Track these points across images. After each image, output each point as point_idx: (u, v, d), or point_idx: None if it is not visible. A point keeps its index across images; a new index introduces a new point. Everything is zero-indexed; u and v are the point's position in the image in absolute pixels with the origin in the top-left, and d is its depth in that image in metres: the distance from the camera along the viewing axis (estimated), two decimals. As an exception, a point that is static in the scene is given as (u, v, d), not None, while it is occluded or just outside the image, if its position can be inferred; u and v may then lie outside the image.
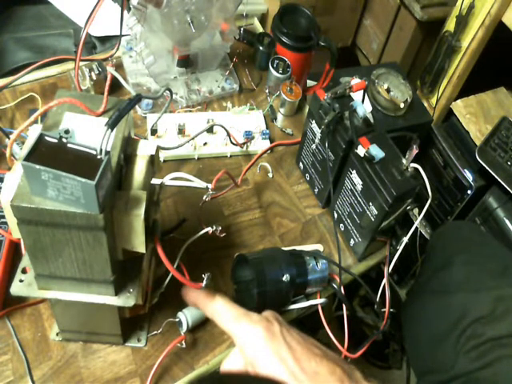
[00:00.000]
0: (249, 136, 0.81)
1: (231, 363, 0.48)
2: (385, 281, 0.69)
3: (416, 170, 0.62)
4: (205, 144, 0.79)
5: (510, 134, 0.98)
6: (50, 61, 0.79)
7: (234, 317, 0.48)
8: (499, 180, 0.94)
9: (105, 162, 0.36)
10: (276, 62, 0.88)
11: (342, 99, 0.68)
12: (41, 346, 0.58)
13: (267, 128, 0.84)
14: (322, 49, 0.92)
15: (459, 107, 1.09)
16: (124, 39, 0.86)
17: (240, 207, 0.76)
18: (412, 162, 0.61)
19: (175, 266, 0.52)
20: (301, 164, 0.81)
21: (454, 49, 1.10)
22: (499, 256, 0.67)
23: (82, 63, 0.79)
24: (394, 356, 1.26)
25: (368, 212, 0.66)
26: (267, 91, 0.91)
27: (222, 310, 0.49)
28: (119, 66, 0.86)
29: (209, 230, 0.56)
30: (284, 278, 0.60)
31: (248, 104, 0.87)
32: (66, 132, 0.38)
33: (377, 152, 0.62)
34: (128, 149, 0.47)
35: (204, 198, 0.63)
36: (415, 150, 0.59)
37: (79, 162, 0.37)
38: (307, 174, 0.80)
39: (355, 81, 0.68)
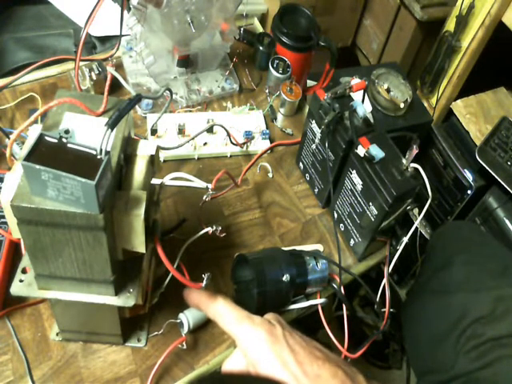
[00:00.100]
0: (249, 136, 0.81)
1: (233, 363, 0.48)
2: (385, 281, 0.69)
3: (416, 169, 0.62)
4: (205, 144, 0.79)
5: (510, 134, 0.98)
6: (50, 61, 0.79)
7: (236, 319, 0.48)
8: (499, 180, 0.94)
9: (105, 162, 0.36)
10: (276, 61, 0.88)
11: (342, 99, 0.68)
12: (41, 346, 0.58)
13: (267, 128, 0.84)
14: (322, 49, 0.92)
15: (459, 107, 1.09)
16: (124, 39, 0.86)
17: (240, 207, 0.76)
18: (412, 161, 0.61)
19: (175, 266, 0.52)
20: (301, 164, 0.81)
21: (454, 49, 1.10)
22: (499, 256, 0.67)
23: (82, 63, 0.79)
24: (394, 356, 1.26)
25: (368, 212, 0.66)
26: (267, 91, 0.91)
27: (224, 312, 0.49)
28: (119, 66, 0.86)
29: (209, 230, 0.56)
30: (284, 278, 0.60)
31: (248, 104, 0.87)
32: (66, 132, 0.38)
33: (377, 152, 0.62)
34: (128, 149, 0.47)
35: (204, 198, 0.63)
36: (415, 150, 0.59)
37: (79, 162, 0.37)
38: (307, 174, 0.80)
39: (355, 81, 0.68)
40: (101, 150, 0.37)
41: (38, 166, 0.35)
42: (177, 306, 0.60)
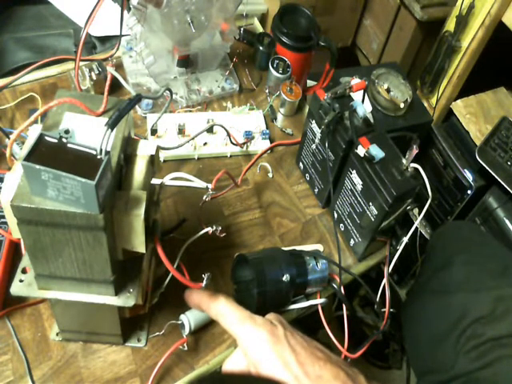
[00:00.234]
0: (249, 136, 0.81)
1: (233, 363, 0.48)
2: (385, 281, 0.69)
3: (416, 170, 0.62)
4: (205, 144, 0.79)
5: (510, 134, 0.98)
6: (50, 61, 0.79)
7: (238, 319, 0.48)
8: (499, 180, 0.94)
9: (105, 162, 0.36)
10: (276, 61, 0.88)
11: (342, 99, 0.68)
12: (41, 346, 0.58)
13: (267, 128, 0.84)
14: (322, 49, 0.92)
15: (459, 107, 1.09)
16: (124, 39, 0.86)
17: (240, 207, 0.76)
18: (412, 161, 0.61)
19: (175, 266, 0.52)
20: (301, 164, 0.81)
21: (454, 49, 1.10)
22: (499, 256, 0.67)
23: (82, 63, 0.79)
24: (394, 356, 1.26)
25: (368, 212, 0.66)
26: (267, 91, 0.91)
27: (225, 312, 0.49)
28: (119, 66, 0.86)
29: (209, 230, 0.56)
30: (284, 278, 0.60)
31: (248, 104, 0.87)
32: (66, 132, 0.38)
33: (377, 152, 0.62)
34: (128, 149, 0.47)
35: (204, 198, 0.63)
36: (415, 150, 0.59)
37: (79, 162, 0.37)
38: (307, 174, 0.80)
39: (355, 81, 0.68)
40: (101, 149, 0.37)
41: (38, 166, 0.35)
42: (177, 306, 0.60)
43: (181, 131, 0.78)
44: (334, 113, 0.65)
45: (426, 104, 1.21)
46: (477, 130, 1.05)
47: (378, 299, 0.70)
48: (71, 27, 0.96)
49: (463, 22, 1.06)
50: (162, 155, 0.77)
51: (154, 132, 0.77)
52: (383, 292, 0.69)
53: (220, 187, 0.72)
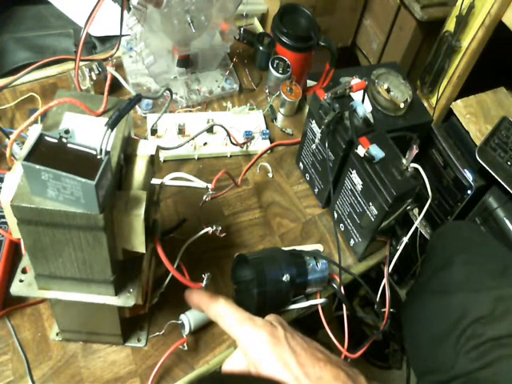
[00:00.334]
0: (249, 136, 0.81)
1: (233, 363, 0.48)
2: (385, 281, 0.69)
3: (416, 170, 0.62)
4: (205, 144, 0.79)
5: (510, 134, 0.98)
6: (50, 61, 0.79)
7: (237, 320, 0.48)
8: (499, 180, 0.94)
9: (105, 162, 0.36)
10: (276, 62, 0.88)
11: (342, 99, 0.68)
12: (41, 346, 0.58)
13: (267, 128, 0.84)
14: (322, 49, 0.92)
15: (459, 107, 1.09)
16: (124, 39, 0.86)
17: (240, 207, 0.76)
18: (412, 161, 0.61)
19: (175, 266, 0.52)
20: (301, 164, 0.81)
21: (454, 49, 1.10)
22: (499, 256, 0.67)
23: (82, 63, 0.79)
24: (394, 356, 1.26)
25: (368, 212, 0.66)
26: (267, 91, 0.91)
27: (225, 313, 0.49)
28: (119, 66, 0.86)
29: (209, 230, 0.56)
30: (284, 278, 0.60)
31: (248, 104, 0.87)
32: (66, 132, 0.38)
33: (377, 152, 0.62)
34: (128, 149, 0.47)
35: (204, 198, 0.63)
36: (415, 150, 0.59)
37: (79, 162, 0.37)
38: (307, 174, 0.80)
39: (355, 81, 0.68)
40: (101, 150, 0.37)
41: (38, 166, 0.35)
42: (177, 306, 0.60)
43: (181, 131, 0.78)
44: (333, 113, 0.65)
45: (426, 104, 1.21)
46: (477, 130, 1.05)
47: (377, 299, 0.70)
48: (71, 27, 0.96)
49: (463, 22, 1.06)
50: (162, 155, 0.77)
51: (153, 132, 0.77)
52: (383, 292, 0.69)
53: (220, 187, 0.72)
